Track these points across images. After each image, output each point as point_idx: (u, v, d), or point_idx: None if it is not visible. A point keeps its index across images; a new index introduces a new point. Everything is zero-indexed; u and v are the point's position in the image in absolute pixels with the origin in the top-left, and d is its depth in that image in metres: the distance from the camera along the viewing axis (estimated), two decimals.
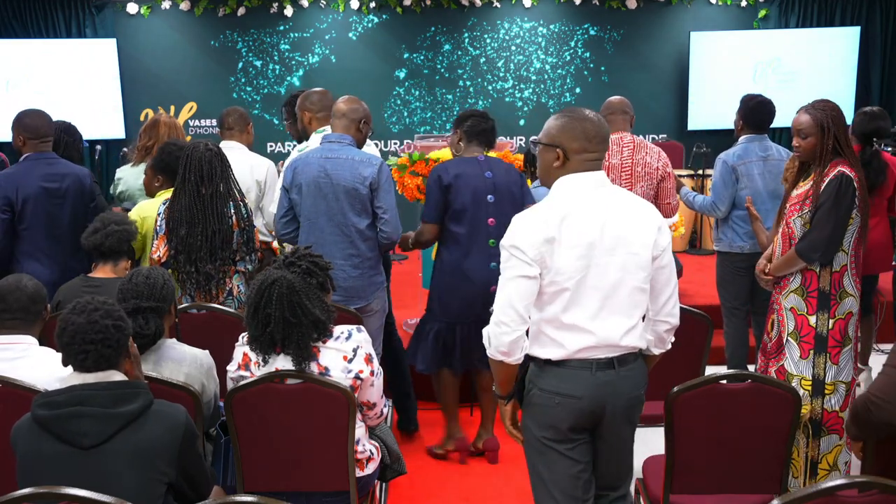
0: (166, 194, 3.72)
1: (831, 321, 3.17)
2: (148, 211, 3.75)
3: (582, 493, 2.40)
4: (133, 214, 3.75)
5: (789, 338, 3.25)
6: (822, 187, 3.13)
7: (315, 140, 3.95)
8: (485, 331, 2.38)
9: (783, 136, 8.16)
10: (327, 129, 3.92)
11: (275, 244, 4.27)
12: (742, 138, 4.39)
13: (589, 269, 2.28)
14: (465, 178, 3.69)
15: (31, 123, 3.92)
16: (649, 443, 3.42)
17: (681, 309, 3.19)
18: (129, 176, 4.25)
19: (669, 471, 2.64)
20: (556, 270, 2.27)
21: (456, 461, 3.98)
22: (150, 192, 3.94)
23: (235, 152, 4.14)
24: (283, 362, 2.56)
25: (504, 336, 2.29)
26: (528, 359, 2.41)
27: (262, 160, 4.31)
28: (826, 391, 3.18)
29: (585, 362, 2.32)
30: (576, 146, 2.33)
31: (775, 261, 3.30)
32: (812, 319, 3.18)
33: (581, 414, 2.35)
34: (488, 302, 3.72)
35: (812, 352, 3.18)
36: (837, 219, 3.12)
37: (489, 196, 3.71)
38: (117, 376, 2.17)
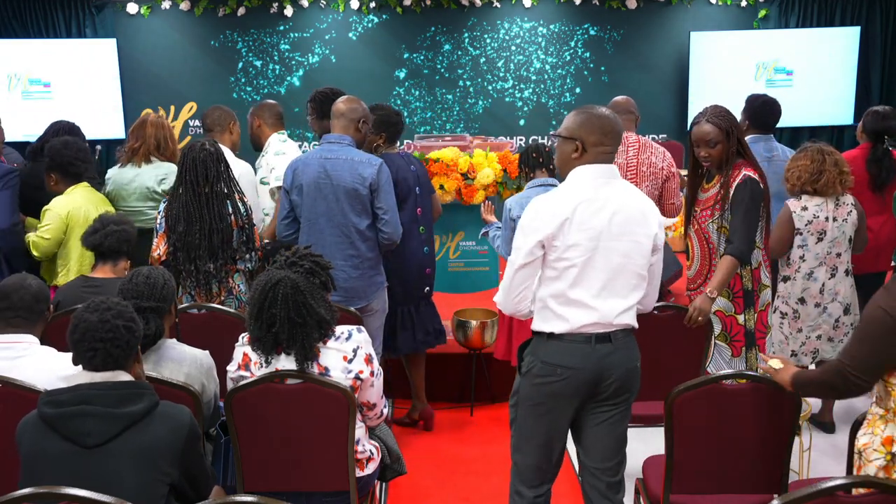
0: (72, 190, 3.96)
1: (755, 315, 3.36)
2: (69, 204, 3.91)
3: (556, 455, 2.68)
4: (61, 210, 3.88)
5: (717, 340, 3.38)
6: (732, 192, 3.28)
7: (274, 139, 4.45)
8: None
9: (782, 137, 8.16)
10: (284, 134, 4.51)
11: None
12: (747, 138, 4.38)
13: (596, 252, 2.49)
14: (401, 171, 3.97)
15: None
16: (650, 443, 3.42)
17: (680, 309, 3.21)
18: (117, 177, 4.22)
19: (669, 471, 2.64)
20: (567, 248, 2.48)
21: (456, 461, 3.98)
22: (53, 193, 4.05)
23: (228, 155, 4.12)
24: (285, 362, 2.56)
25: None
26: (533, 333, 2.63)
27: (240, 164, 4.28)
28: None
29: (585, 336, 2.53)
30: (593, 139, 2.55)
31: (714, 280, 3.23)
32: (741, 318, 3.32)
33: (581, 384, 2.55)
34: (423, 283, 4.09)
35: (744, 349, 3.35)
36: (756, 218, 3.29)
37: (416, 188, 4.04)
38: (124, 377, 2.17)
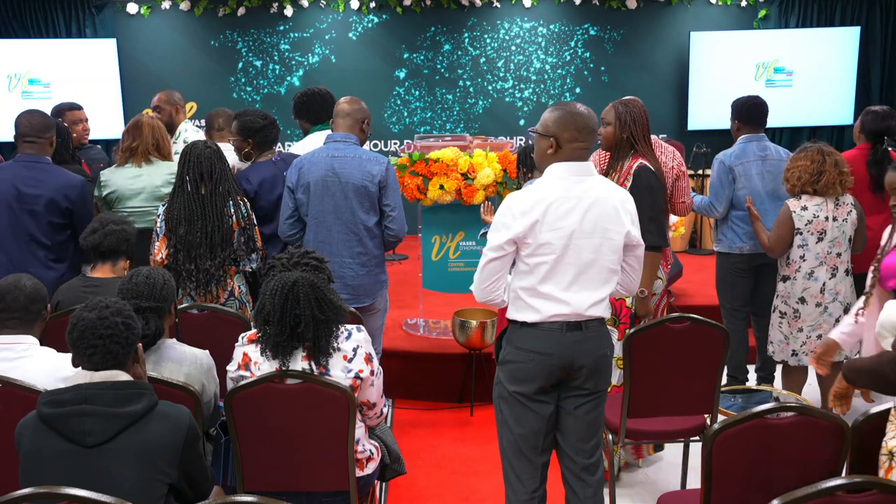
0: None
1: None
2: None
3: (541, 443, 2.71)
4: None
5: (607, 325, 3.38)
6: (631, 181, 3.42)
7: (189, 125, 5.08)
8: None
9: (783, 137, 8.16)
10: (189, 123, 5.06)
11: None
12: (740, 139, 4.40)
13: (567, 249, 2.57)
14: (269, 182, 3.94)
15: (17, 122, 3.86)
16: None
17: (696, 321, 3.15)
18: (118, 178, 4.14)
19: None
20: (538, 247, 2.56)
21: (456, 461, 3.98)
22: None
23: (227, 154, 4.11)
24: (291, 362, 2.55)
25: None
26: (508, 322, 2.71)
27: None
28: None
29: (556, 324, 2.61)
30: (567, 136, 2.61)
31: (644, 278, 3.25)
32: (629, 301, 3.41)
33: (552, 369, 2.63)
34: None
35: (627, 330, 3.38)
36: (660, 203, 3.42)
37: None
38: (123, 377, 2.17)
